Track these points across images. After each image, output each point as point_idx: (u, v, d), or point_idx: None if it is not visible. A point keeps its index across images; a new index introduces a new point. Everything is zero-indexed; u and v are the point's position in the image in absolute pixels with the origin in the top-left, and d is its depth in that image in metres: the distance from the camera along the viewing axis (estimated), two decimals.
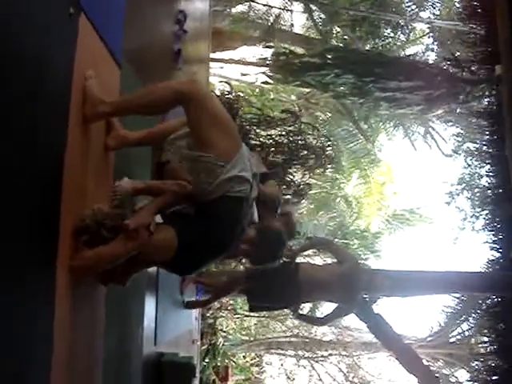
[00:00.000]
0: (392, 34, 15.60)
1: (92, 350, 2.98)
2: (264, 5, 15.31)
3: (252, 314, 13.12)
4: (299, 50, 12.88)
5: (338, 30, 15.74)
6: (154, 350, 4.62)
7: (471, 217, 16.09)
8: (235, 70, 16.71)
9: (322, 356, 18.82)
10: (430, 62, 13.60)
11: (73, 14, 2.63)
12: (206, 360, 10.23)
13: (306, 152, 9.37)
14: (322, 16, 15.55)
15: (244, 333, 17.54)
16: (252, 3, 15.98)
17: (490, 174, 10.31)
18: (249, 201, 2.94)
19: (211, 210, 2.81)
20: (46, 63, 2.35)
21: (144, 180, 3.52)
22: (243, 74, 14.85)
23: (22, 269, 2.08)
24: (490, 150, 9.98)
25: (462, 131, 15.85)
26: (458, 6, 13.97)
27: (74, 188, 2.61)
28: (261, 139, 9.07)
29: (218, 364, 10.67)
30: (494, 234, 9.73)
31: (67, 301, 2.52)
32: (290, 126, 9.50)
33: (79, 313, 2.70)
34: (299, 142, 9.37)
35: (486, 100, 9.90)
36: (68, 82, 2.60)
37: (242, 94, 10.58)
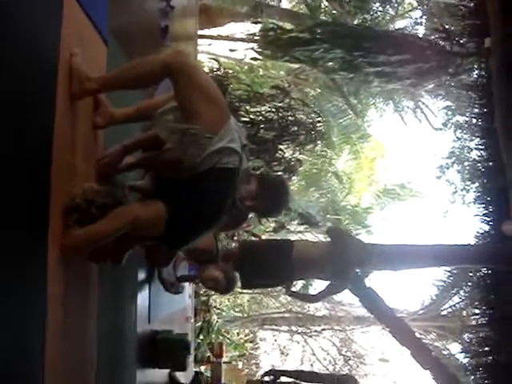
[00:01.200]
0: (381, 8, 15.51)
1: (86, 329, 2.98)
2: None
3: (245, 290, 13.16)
4: (287, 26, 12.76)
5: (327, 4, 15.60)
6: (149, 328, 4.63)
7: (461, 190, 16.16)
8: (224, 47, 16.60)
9: (316, 331, 18.98)
10: (420, 35, 13.53)
11: None
12: (201, 337, 10.29)
13: (296, 128, 9.36)
14: None
15: (237, 309, 17.61)
16: None
17: (480, 147, 10.31)
18: (239, 172, 2.92)
19: (201, 182, 2.79)
20: (31, 40, 2.32)
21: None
22: (231, 50, 14.74)
23: (12, 249, 2.07)
24: (480, 123, 9.97)
25: (451, 104, 15.84)
26: None
27: (63, 167, 2.59)
28: (251, 116, 9.05)
29: (213, 341, 10.73)
30: (484, 207, 9.77)
31: (59, 280, 2.50)
32: (279, 103, 9.47)
33: (72, 292, 2.69)
34: (289, 118, 9.36)
35: (475, 73, 9.89)
36: (54, 60, 2.56)
37: (230, 71, 10.53)
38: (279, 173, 9.64)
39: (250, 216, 4.13)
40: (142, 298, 4.41)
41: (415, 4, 16.21)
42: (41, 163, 2.37)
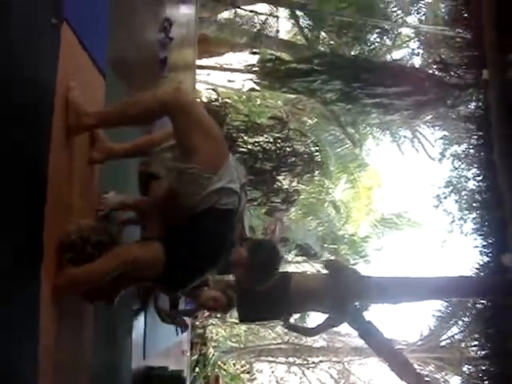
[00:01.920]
0: (378, 39, 15.60)
1: (80, 366, 2.90)
2: (250, 11, 15.24)
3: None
4: (286, 56, 12.83)
5: (324, 35, 15.70)
6: (143, 364, 4.54)
7: (459, 220, 16.08)
8: (222, 77, 16.68)
9: (313, 362, 18.76)
10: (417, 66, 13.60)
11: (55, 24, 2.56)
12: (197, 370, 10.15)
13: (294, 158, 9.33)
14: (308, 22, 15.50)
15: (234, 340, 17.42)
16: (238, 10, 15.93)
17: (478, 178, 10.29)
18: (237, 213, 2.86)
19: (199, 223, 2.72)
20: (28, 74, 2.29)
21: (131, 194, 3.47)
22: (230, 81, 14.80)
23: (5, 286, 2.01)
24: (478, 155, 9.96)
25: (448, 134, 15.86)
26: (443, 11, 14.00)
27: (58, 202, 2.54)
28: (248, 146, 9.03)
29: (209, 374, 10.58)
30: (483, 239, 9.71)
31: (52, 317, 2.44)
32: (277, 133, 9.46)
33: (65, 329, 2.62)
34: (287, 148, 9.34)
35: (473, 104, 9.90)
36: (51, 93, 2.53)
37: (228, 101, 10.54)
38: (277, 204, 9.62)
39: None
40: (138, 332, 4.34)
41: (412, 35, 16.31)
42: (35, 198, 2.32)
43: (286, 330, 17.44)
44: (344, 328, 17.02)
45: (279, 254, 3.51)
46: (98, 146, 3.04)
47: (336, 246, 15.88)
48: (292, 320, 6.16)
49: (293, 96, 15.97)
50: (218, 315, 10.77)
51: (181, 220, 2.75)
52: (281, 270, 5.63)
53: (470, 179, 14.10)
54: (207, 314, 9.83)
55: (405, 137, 18.07)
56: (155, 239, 2.70)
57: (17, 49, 2.17)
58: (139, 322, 4.47)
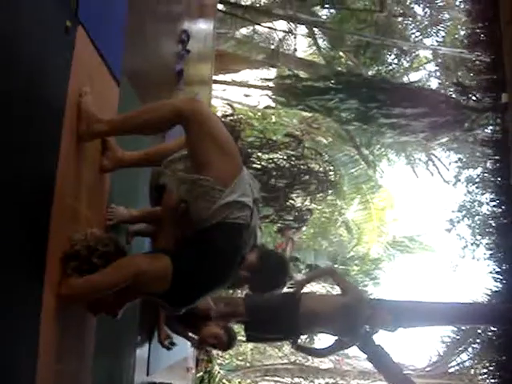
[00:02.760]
0: (396, 61, 15.58)
1: (80, 380, 2.80)
2: (268, 27, 15.24)
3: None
4: (303, 74, 12.80)
5: (342, 55, 15.70)
6: (147, 381, 4.43)
7: (472, 244, 15.96)
8: (238, 93, 16.67)
9: None
10: (435, 89, 13.54)
11: (69, 27, 2.50)
12: None
13: (307, 177, 9.26)
14: (326, 41, 15.52)
15: (240, 358, 17.26)
16: (256, 26, 15.96)
17: (493, 203, 10.16)
18: (249, 228, 2.75)
19: (209, 237, 2.62)
20: (40, 78, 2.22)
21: (141, 205, 3.40)
22: (246, 96, 14.78)
23: (5, 294, 1.93)
24: (493, 179, 9.84)
25: (463, 158, 15.77)
26: (462, 33, 13.97)
27: (65, 211, 2.47)
28: (262, 163, 8.97)
29: None
30: (496, 265, 9.56)
31: (53, 328, 2.36)
32: (292, 151, 9.40)
33: (66, 341, 2.53)
34: (301, 166, 9.26)
35: (490, 128, 9.80)
36: (62, 98, 2.46)
37: (243, 117, 10.51)
38: (289, 222, 9.53)
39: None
40: (142, 347, 4.24)
41: (430, 57, 16.27)
42: (41, 205, 2.24)
43: (293, 351, 17.35)
44: (352, 351, 16.87)
45: (288, 263, 3.43)
46: (109, 154, 2.97)
47: (346, 267, 15.75)
48: (300, 341, 6.06)
49: (308, 114, 15.96)
50: (218, 352, 10.64)
51: (191, 233, 2.67)
52: (290, 290, 5.60)
53: (483, 204, 14.01)
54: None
55: (419, 159, 17.99)
56: (163, 252, 2.61)
57: (28, 51, 2.10)
58: (144, 337, 4.37)
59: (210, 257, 2.61)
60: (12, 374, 1.99)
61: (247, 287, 4.21)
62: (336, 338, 5.50)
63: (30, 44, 2.12)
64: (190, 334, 4.94)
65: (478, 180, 14.11)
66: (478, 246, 15.30)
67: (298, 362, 18.12)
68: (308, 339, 14.13)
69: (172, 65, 5.30)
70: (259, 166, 8.78)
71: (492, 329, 9.36)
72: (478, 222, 14.88)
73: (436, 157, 17.41)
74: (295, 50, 16.80)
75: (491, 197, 10.36)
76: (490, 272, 9.64)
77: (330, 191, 10.16)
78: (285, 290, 5.54)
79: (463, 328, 13.12)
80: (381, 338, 8.38)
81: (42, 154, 2.27)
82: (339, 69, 14.56)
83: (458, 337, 14.26)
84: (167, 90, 5.12)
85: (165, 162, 2.87)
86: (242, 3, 14.14)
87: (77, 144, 2.62)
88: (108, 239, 2.62)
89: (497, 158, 9.31)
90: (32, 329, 2.17)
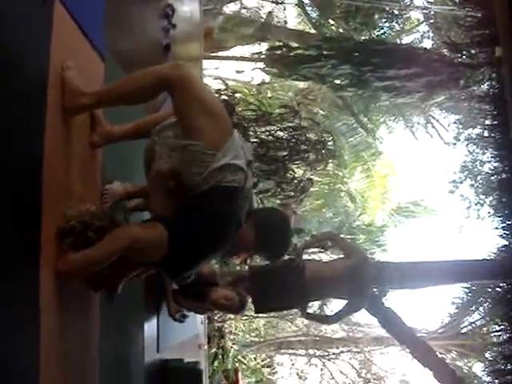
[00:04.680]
0: (387, 24, 15.43)
1: (86, 360, 2.79)
2: None
3: (260, 314, 12.95)
4: (294, 44, 12.66)
5: (332, 23, 15.55)
6: (158, 357, 4.43)
7: (476, 204, 15.96)
8: (230, 71, 16.55)
9: (334, 353, 18.67)
10: (428, 48, 13.42)
11: (46, 0, 2.45)
12: (215, 364, 10.05)
13: (306, 147, 9.19)
14: (315, 10, 15.37)
15: (253, 334, 17.35)
16: (243, 1, 15.82)
17: (495, 159, 10.10)
18: (244, 191, 2.72)
19: (203, 202, 2.59)
20: (19, 54, 2.17)
21: (136, 180, 3.36)
22: (238, 72, 14.67)
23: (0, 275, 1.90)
24: (493, 135, 9.77)
25: (462, 118, 15.70)
26: None
27: (57, 188, 2.43)
28: (259, 136, 8.89)
29: (228, 367, 10.48)
30: (502, 220, 9.53)
31: (54, 307, 2.33)
32: (289, 122, 9.32)
33: (69, 320, 2.51)
34: (299, 137, 9.19)
35: (486, 83, 9.72)
36: (44, 73, 2.41)
37: (238, 94, 10.41)
38: (291, 194, 9.48)
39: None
40: (150, 324, 4.22)
41: (421, 19, 16.12)
42: (30, 183, 2.20)
43: (305, 322, 17.43)
44: (363, 318, 16.97)
45: (288, 227, 3.35)
46: (98, 129, 2.93)
47: (353, 236, 15.75)
48: (310, 309, 6.06)
49: (303, 86, 15.85)
50: (231, 315, 10.65)
51: (184, 199, 2.63)
52: (295, 258, 5.58)
53: (485, 163, 13.97)
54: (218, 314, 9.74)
55: (418, 123, 17.91)
56: (158, 220, 2.58)
57: (3, 26, 2.05)
58: (152, 313, 4.36)
59: (205, 221, 2.58)
60: (14, 355, 1.97)
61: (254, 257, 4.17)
62: (344, 301, 5.49)
63: (4, 19, 2.06)
64: (198, 305, 4.91)
65: (477, 139, 14.04)
66: (482, 205, 15.32)
67: (310, 333, 18.23)
68: (319, 307, 14.19)
69: (158, 40, 5.23)
70: (256, 139, 8.71)
71: (501, 284, 9.36)
72: (481, 181, 14.85)
73: (434, 118, 17.33)
74: (285, 22, 16.66)
75: (493, 153, 10.31)
76: (496, 228, 9.63)
77: (329, 160, 10.09)
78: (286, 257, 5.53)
79: (473, 287, 13.11)
80: (391, 301, 8.39)
81: (27, 131, 2.22)
82: (330, 35, 14.42)
83: (468, 296, 14.28)
84: (155, 65, 5.04)
85: (154, 130, 2.83)
86: None
87: (63, 120, 2.57)
88: (103, 214, 2.60)
89: (495, 113, 9.23)
90: (31, 308, 2.14)
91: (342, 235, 14.68)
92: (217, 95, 8.64)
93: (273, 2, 15.33)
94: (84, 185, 2.78)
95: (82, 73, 2.71)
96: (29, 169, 2.20)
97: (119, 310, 3.23)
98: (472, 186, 15.86)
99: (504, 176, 9.57)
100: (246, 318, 14.04)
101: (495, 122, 9.43)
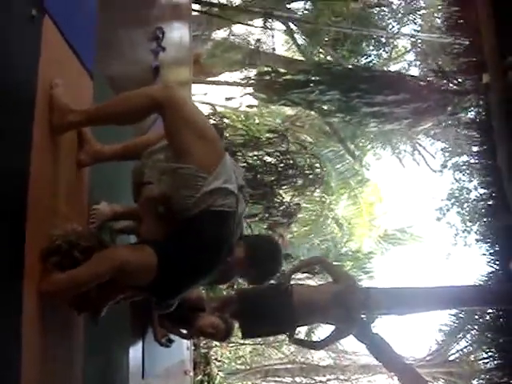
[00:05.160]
0: (374, 52, 15.58)
1: None
2: (245, 24, 15.10)
3: (246, 341, 12.82)
4: (283, 70, 12.74)
5: (321, 50, 15.68)
6: (143, 383, 4.34)
7: (463, 232, 15.98)
8: (219, 97, 16.61)
9: (321, 381, 18.47)
10: (415, 75, 13.55)
11: (35, 16, 2.42)
12: None
13: (294, 172, 9.20)
14: (304, 37, 15.50)
15: (239, 361, 17.16)
16: (233, 27, 15.90)
17: (482, 185, 10.13)
18: (235, 216, 2.68)
19: (194, 226, 2.54)
20: (4, 68, 2.12)
21: (123, 201, 3.31)
22: (227, 99, 14.71)
23: None
24: (481, 161, 9.82)
25: (449, 146, 15.80)
26: (438, 18, 13.99)
27: (42, 206, 2.37)
28: (248, 160, 8.89)
29: None
30: (490, 246, 9.53)
31: (37, 329, 2.26)
32: (277, 147, 9.33)
33: (52, 342, 2.44)
34: (287, 161, 9.20)
35: (474, 110, 9.79)
36: (32, 90, 2.37)
37: (226, 120, 10.44)
38: (278, 218, 9.46)
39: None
40: (135, 349, 4.14)
41: (409, 47, 16.30)
42: (15, 201, 2.15)
43: (292, 349, 17.26)
44: (351, 345, 16.84)
45: (278, 249, 3.31)
46: (85, 148, 2.89)
47: (340, 263, 15.71)
48: (297, 334, 5.99)
49: (291, 113, 15.92)
50: (216, 342, 10.56)
51: (175, 224, 2.58)
52: (280, 281, 5.52)
53: (471, 190, 14.04)
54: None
55: (405, 150, 18.01)
56: (147, 243, 2.53)
57: None
58: (137, 340, 4.28)
59: (195, 246, 2.53)
60: None
61: (243, 280, 4.12)
62: (333, 327, 5.43)
63: None
64: (183, 330, 4.84)
65: (464, 166, 14.12)
66: (468, 232, 15.32)
67: (297, 361, 18.05)
68: (306, 333, 14.08)
69: (148, 62, 5.22)
70: (245, 164, 8.70)
71: (490, 311, 9.33)
72: (468, 209, 14.89)
73: (421, 146, 17.44)
74: (273, 48, 16.77)
75: (480, 179, 10.35)
76: (483, 254, 9.62)
77: (317, 185, 10.09)
78: (275, 281, 5.48)
79: (460, 314, 13.07)
80: (379, 328, 8.32)
81: (13, 148, 2.18)
82: (318, 61, 14.51)
83: (456, 323, 14.23)
84: (143, 86, 5.02)
85: (145, 153, 2.79)
86: (217, 1, 14.06)
87: (51, 137, 2.54)
88: (90, 234, 2.54)
89: (482, 139, 9.28)
90: (14, 330, 2.07)
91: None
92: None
93: (262, 28, 15.41)
94: (70, 204, 2.73)
95: (70, 90, 2.67)
96: (14, 186, 2.15)
97: (104, 333, 3.15)
98: (459, 213, 15.90)
99: (491, 202, 9.59)
100: (232, 344, 13.89)
101: (482, 149, 9.47)
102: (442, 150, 16.78)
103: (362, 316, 5.80)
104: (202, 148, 2.54)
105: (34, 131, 2.33)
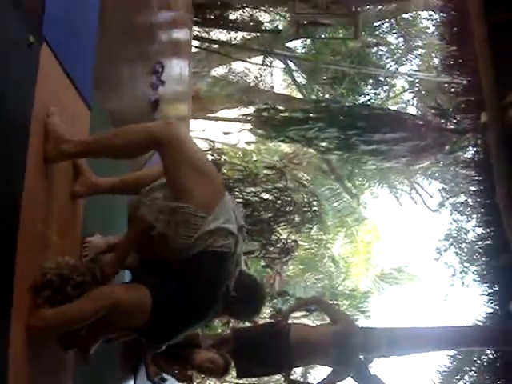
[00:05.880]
0: (372, 90, 15.69)
1: None
2: (244, 61, 15.21)
3: (241, 381, 12.59)
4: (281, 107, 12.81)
5: (319, 88, 15.78)
6: None
7: (460, 272, 15.85)
8: (217, 133, 16.66)
9: None
10: (414, 114, 13.61)
11: (33, 43, 2.37)
12: None
13: (291, 208, 9.15)
14: (302, 75, 15.63)
15: None
16: (232, 65, 16.03)
17: (481, 224, 10.07)
18: (234, 257, 2.60)
19: (191, 266, 2.46)
20: (1, 97, 2.07)
21: (118, 233, 3.23)
22: (225, 133, 14.74)
23: None
24: (479, 200, 9.79)
25: (446, 186, 15.79)
26: (436, 58, 14.12)
27: (33, 237, 2.29)
28: (245, 196, 8.84)
29: None
30: (489, 286, 9.43)
31: (24, 366, 2.15)
32: (275, 183, 9.31)
33: (40, 380, 2.33)
34: (285, 198, 9.16)
35: (472, 149, 9.79)
36: (26, 118, 2.31)
37: (224, 157, 10.43)
38: (276, 255, 9.38)
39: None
40: None
41: (407, 86, 16.41)
42: (5, 231, 2.06)
43: None
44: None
45: (260, 286, 3.23)
46: (81, 179, 2.81)
47: (336, 302, 15.57)
48: (293, 375, 5.87)
49: (289, 151, 15.95)
50: (213, 379, 10.35)
51: (172, 264, 2.50)
52: (281, 321, 5.42)
53: (469, 231, 13.97)
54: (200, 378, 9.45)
55: (402, 189, 17.99)
56: (142, 283, 2.44)
57: None
58: (128, 379, 4.16)
59: (192, 288, 2.45)
60: None
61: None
62: (330, 369, 5.32)
63: None
64: (176, 369, 4.70)
65: (462, 207, 14.09)
66: (466, 273, 15.21)
67: None
68: (302, 375, 13.85)
69: (147, 95, 5.20)
70: (242, 200, 8.64)
71: (488, 352, 9.20)
72: (465, 249, 14.81)
73: (419, 185, 17.43)
74: (272, 87, 16.89)
75: (478, 218, 10.29)
76: (483, 294, 9.52)
77: (314, 222, 10.04)
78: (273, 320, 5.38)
79: (458, 355, 12.90)
80: (376, 369, 8.17)
81: (6, 175, 2.11)
82: (316, 98, 14.59)
83: (453, 364, 14.04)
84: (143, 120, 4.99)
85: (143, 190, 2.70)
86: (217, 38, 14.19)
87: (45, 167, 2.47)
88: (84, 268, 2.46)
89: (480, 178, 9.26)
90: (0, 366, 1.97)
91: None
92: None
93: (261, 65, 15.54)
94: (63, 236, 2.65)
95: (66, 120, 2.62)
96: (4, 214, 2.07)
97: (94, 371, 3.04)
98: (457, 254, 15.81)
99: (489, 242, 9.52)
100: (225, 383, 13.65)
101: (481, 188, 9.45)
102: (439, 190, 16.78)
103: (360, 357, 5.68)
104: (201, 186, 2.48)
105: (27, 159, 2.27)
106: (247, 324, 5.84)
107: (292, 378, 5.71)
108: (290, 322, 5.56)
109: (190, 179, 2.45)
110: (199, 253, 2.45)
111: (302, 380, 10.76)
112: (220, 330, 8.63)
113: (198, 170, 2.49)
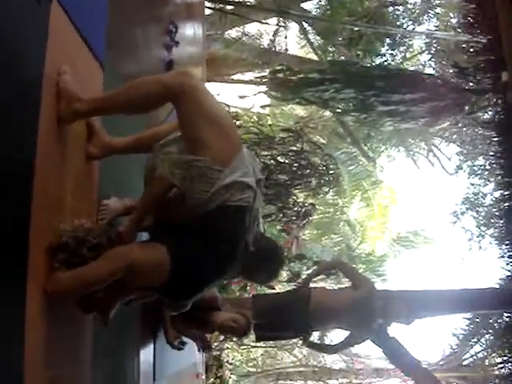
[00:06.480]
0: (389, 51, 15.40)
1: None
2: (259, 22, 14.93)
3: (259, 344, 12.68)
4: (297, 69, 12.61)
5: (335, 49, 15.53)
6: None
7: (477, 236, 15.77)
8: (232, 97, 16.50)
9: None
10: (434, 73, 13.36)
11: (43, 1, 2.28)
12: None
13: (308, 171, 9.06)
14: (318, 36, 15.37)
15: (251, 364, 17.04)
16: (246, 27, 15.78)
17: (500, 186, 9.96)
18: (252, 211, 2.52)
19: (209, 222, 2.39)
20: (9, 55, 1.98)
21: (135, 195, 3.17)
22: (241, 97, 14.55)
23: None
24: (499, 161, 9.65)
25: (464, 148, 15.60)
26: (455, 17, 13.82)
27: (48, 200, 2.23)
28: (262, 159, 8.75)
29: None
30: (506, 249, 9.36)
31: (41, 330, 2.12)
32: (291, 146, 9.21)
33: (58, 344, 2.29)
34: (301, 161, 9.07)
35: (492, 109, 9.60)
36: (38, 77, 2.23)
37: (239, 120, 10.32)
38: (293, 219, 9.32)
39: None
40: (146, 352, 4.00)
41: (424, 47, 16.08)
42: (18, 193, 2.00)
43: (304, 352, 17.10)
44: (364, 349, 16.67)
45: (279, 249, 3.15)
46: (95, 140, 2.74)
47: (353, 265, 15.56)
48: (312, 337, 5.85)
49: (304, 114, 15.77)
50: (234, 339, 10.42)
51: (189, 220, 2.43)
52: (302, 286, 5.38)
53: (486, 195, 13.86)
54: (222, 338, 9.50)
55: (419, 152, 17.80)
56: (160, 240, 2.38)
57: None
58: (148, 341, 4.15)
59: (210, 244, 2.38)
60: None
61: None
62: (348, 332, 5.28)
63: None
64: (196, 331, 4.70)
65: (479, 170, 13.97)
66: (483, 237, 15.13)
67: (310, 364, 17.91)
68: (319, 337, 13.93)
69: (161, 56, 5.10)
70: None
71: (504, 315, 9.18)
72: (483, 213, 14.72)
73: (436, 147, 17.21)
74: (287, 49, 16.63)
75: (497, 180, 10.18)
76: (501, 257, 9.45)
77: (331, 185, 9.95)
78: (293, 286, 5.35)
79: (475, 318, 12.91)
80: (395, 332, 8.15)
81: (18, 136, 2.04)
82: (333, 59, 14.36)
83: (470, 328, 14.06)
84: None
85: (156, 145, 2.63)
86: (231, 0, 13.90)
87: (58, 127, 2.39)
88: (100, 230, 2.41)
89: (500, 139, 9.12)
90: (15, 331, 1.93)
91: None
92: None
93: (276, 26, 15.27)
94: (78, 198, 2.59)
95: (79, 79, 2.54)
96: (17, 176, 2.01)
97: (113, 334, 3.02)
98: (474, 217, 15.70)
99: (509, 204, 9.42)
100: (244, 347, 13.76)
101: (501, 149, 9.30)
102: (457, 153, 16.59)
103: (379, 321, 5.63)
104: (218, 139, 2.39)
105: (40, 119, 2.19)
106: (265, 289, 5.83)
107: (310, 340, 5.67)
108: (310, 286, 5.52)
109: (205, 131, 2.37)
110: (216, 208, 2.39)
111: (320, 342, 10.76)
112: (238, 294, 8.65)
113: (215, 121, 2.40)
